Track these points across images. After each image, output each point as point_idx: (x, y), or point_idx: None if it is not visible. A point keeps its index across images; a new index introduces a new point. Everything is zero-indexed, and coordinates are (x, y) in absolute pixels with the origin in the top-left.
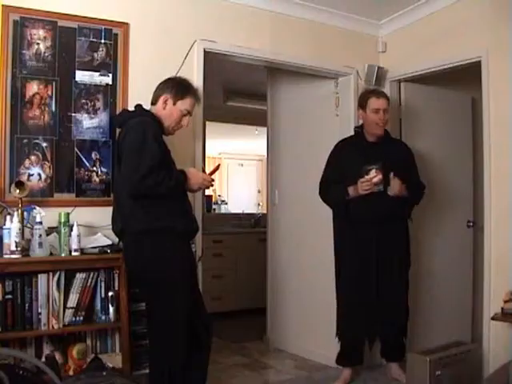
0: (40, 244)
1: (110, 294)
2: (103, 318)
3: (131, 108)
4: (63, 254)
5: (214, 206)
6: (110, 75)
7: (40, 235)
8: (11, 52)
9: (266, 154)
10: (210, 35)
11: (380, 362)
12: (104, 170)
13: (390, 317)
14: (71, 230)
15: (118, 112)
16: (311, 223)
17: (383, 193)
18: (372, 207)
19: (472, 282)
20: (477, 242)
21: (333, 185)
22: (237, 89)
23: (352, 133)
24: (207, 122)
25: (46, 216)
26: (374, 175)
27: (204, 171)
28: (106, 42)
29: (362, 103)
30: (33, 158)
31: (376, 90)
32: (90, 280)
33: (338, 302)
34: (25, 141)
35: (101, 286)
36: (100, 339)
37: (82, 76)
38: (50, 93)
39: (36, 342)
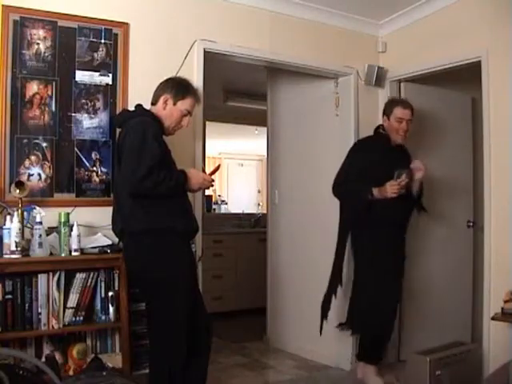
0: (40, 244)
1: (110, 294)
2: (103, 318)
3: (131, 108)
4: (63, 254)
5: (214, 206)
6: (110, 75)
7: (40, 235)
8: (11, 52)
9: (266, 154)
10: (210, 35)
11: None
12: (104, 169)
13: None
14: (71, 230)
15: (118, 112)
16: (311, 223)
17: (404, 195)
18: (400, 208)
19: (472, 282)
20: (477, 242)
21: (354, 183)
22: (237, 89)
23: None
24: (207, 122)
25: (46, 216)
26: (404, 179)
27: (204, 171)
28: (106, 41)
29: (387, 111)
30: (33, 158)
31: (403, 100)
32: (89, 280)
33: (367, 298)
34: (25, 141)
35: (101, 286)
36: (100, 339)
37: (82, 76)
38: (50, 93)
39: (36, 342)
